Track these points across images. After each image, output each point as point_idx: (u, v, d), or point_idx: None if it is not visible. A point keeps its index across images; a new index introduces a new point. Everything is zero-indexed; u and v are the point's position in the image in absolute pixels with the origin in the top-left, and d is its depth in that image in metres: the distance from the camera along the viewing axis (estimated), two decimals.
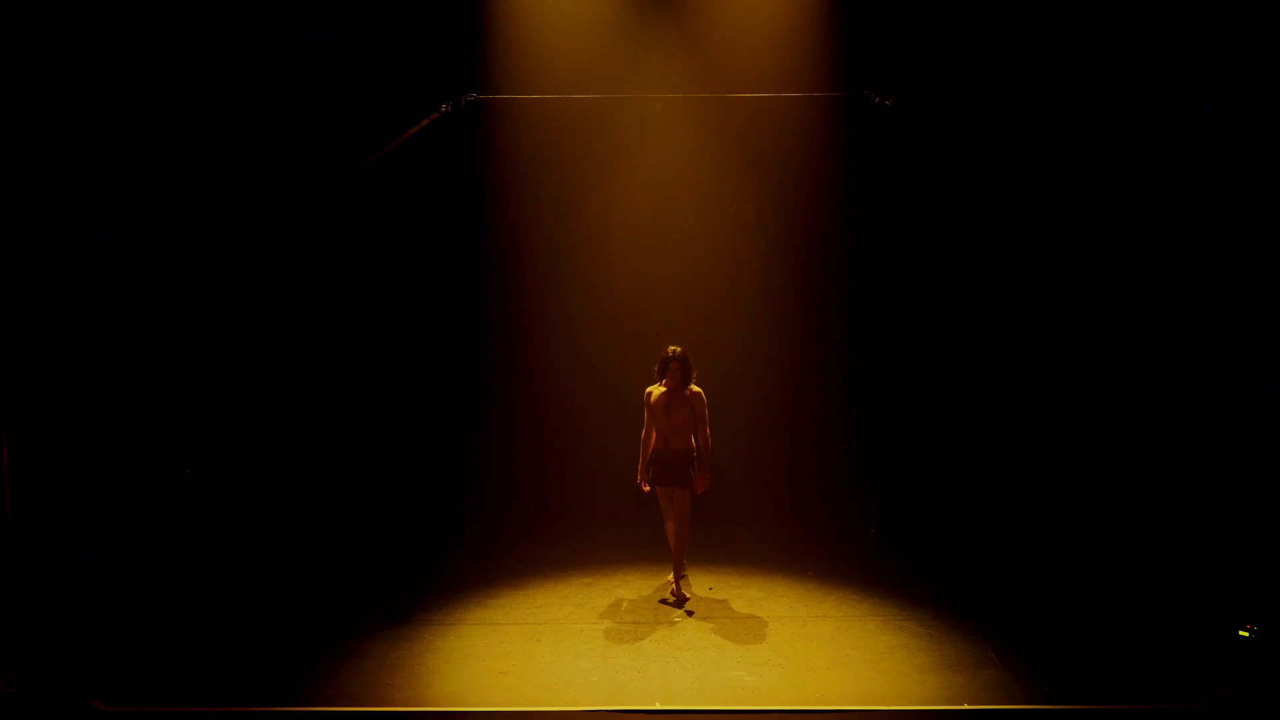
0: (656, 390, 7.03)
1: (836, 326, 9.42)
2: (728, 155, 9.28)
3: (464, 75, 8.52)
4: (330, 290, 8.74)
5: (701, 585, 7.42)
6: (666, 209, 9.37)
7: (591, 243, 9.43)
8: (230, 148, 8.19)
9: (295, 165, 8.32)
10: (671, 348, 6.99)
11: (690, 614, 6.89)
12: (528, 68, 8.82)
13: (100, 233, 7.63)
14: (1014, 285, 8.64)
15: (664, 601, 7.15)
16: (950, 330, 8.98)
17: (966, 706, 5.55)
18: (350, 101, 8.44)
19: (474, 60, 8.70)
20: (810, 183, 9.28)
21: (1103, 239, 8.19)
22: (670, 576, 7.24)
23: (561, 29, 8.78)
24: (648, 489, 7.15)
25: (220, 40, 8.08)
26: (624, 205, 9.41)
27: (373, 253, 8.83)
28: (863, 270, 9.26)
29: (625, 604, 7.12)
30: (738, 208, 9.46)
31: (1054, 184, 8.27)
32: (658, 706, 5.55)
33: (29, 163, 7.06)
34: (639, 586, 7.45)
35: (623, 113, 9.08)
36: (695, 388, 7.03)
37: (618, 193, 9.42)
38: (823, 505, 9.20)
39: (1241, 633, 6.30)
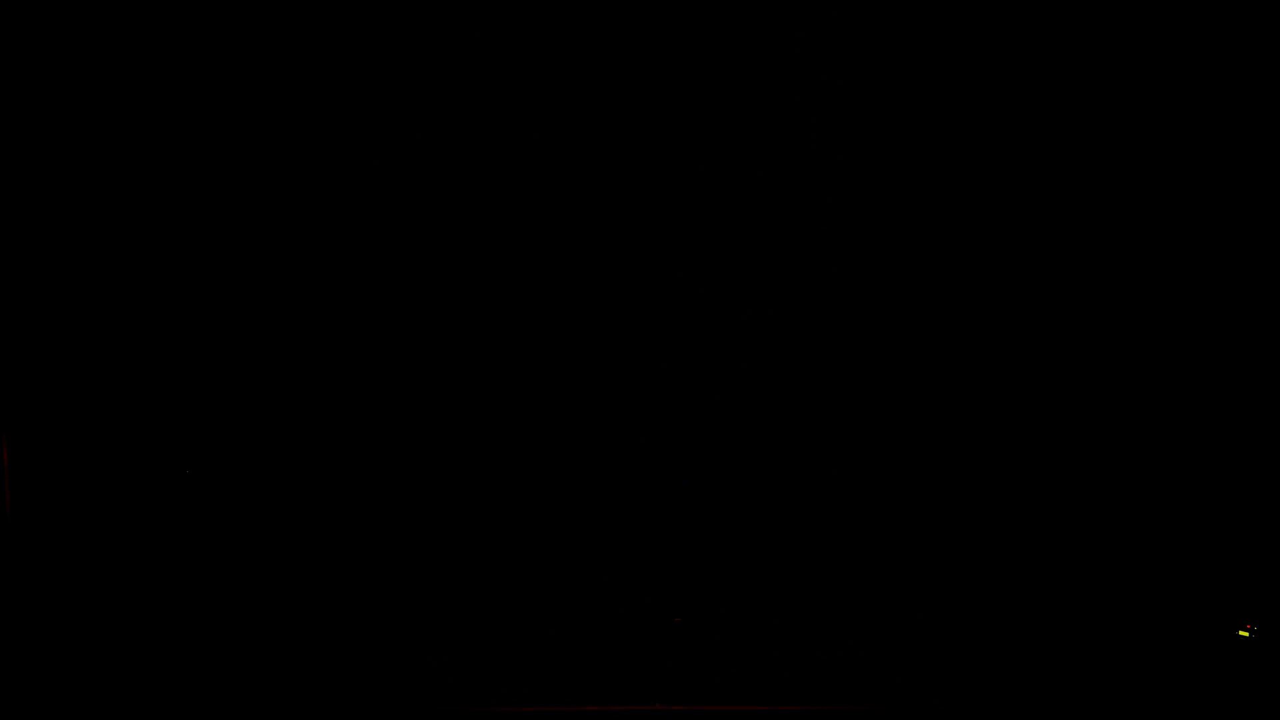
0: None
1: (834, 326, 9.40)
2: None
3: None
4: (330, 290, 8.72)
5: None
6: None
7: None
8: (230, 147, 8.18)
9: (295, 165, 8.31)
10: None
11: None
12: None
13: (100, 232, 7.62)
14: (1013, 284, 8.62)
15: None
16: (949, 330, 8.96)
17: None
18: (351, 100, 8.42)
19: None
20: (809, 181, 9.27)
21: (1102, 238, 8.18)
22: None
23: None
24: None
25: (220, 39, 8.06)
26: None
27: (372, 253, 8.82)
28: (861, 270, 9.24)
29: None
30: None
31: (1053, 183, 8.26)
32: (658, 707, 5.54)
33: (29, 163, 7.04)
34: None
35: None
36: None
37: None
38: (821, 505, 9.19)
39: (1241, 633, 6.30)
